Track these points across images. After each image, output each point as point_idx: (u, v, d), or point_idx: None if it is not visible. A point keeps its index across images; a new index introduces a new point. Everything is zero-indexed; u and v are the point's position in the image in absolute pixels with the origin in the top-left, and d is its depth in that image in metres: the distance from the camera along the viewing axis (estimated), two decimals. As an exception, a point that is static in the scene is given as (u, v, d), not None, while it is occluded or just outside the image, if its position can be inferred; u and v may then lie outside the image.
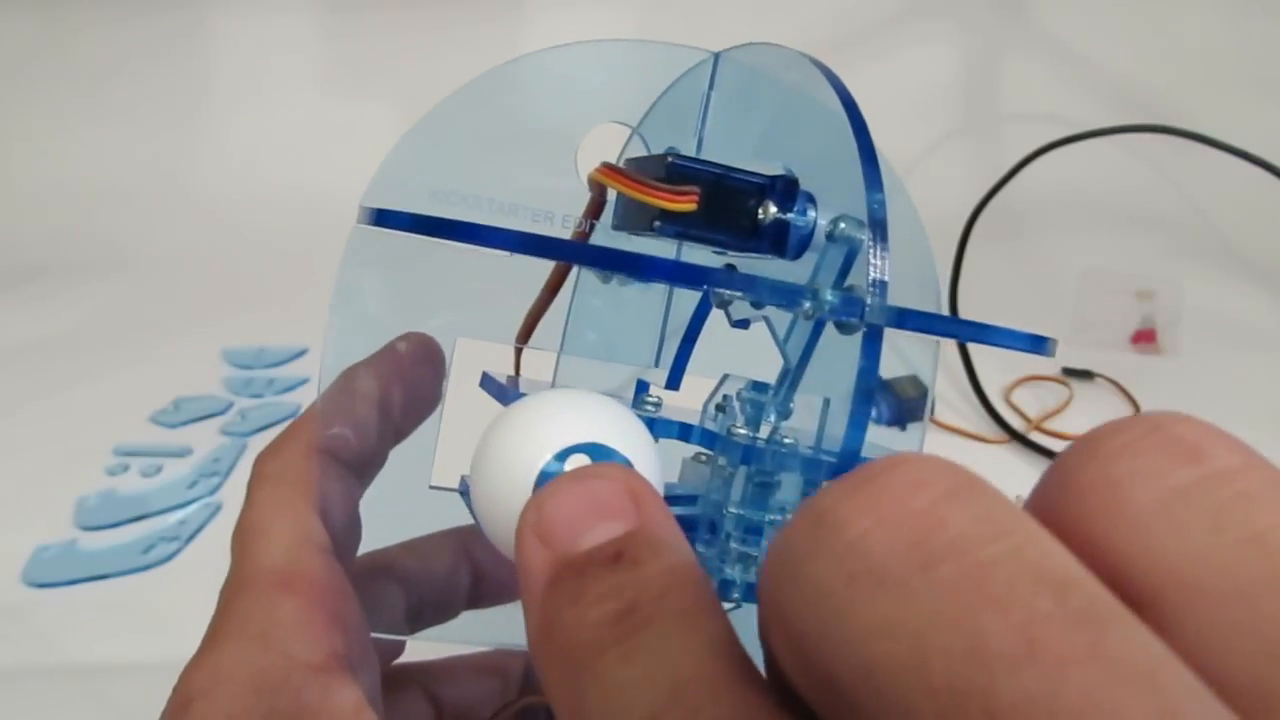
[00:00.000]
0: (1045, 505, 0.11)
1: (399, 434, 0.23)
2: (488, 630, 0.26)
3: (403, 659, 0.26)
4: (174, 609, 0.42)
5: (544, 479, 0.15)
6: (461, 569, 0.25)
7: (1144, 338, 0.70)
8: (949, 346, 0.63)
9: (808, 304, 0.17)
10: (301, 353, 0.67)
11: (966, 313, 0.66)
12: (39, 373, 0.65)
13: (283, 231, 0.88)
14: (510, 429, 0.16)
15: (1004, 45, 0.95)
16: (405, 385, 0.22)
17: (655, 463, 0.16)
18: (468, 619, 0.25)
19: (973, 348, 0.62)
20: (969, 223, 0.72)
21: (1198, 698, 0.08)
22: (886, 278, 0.16)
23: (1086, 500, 0.10)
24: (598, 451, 0.15)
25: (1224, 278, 0.79)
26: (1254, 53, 0.91)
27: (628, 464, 0.15)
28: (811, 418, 0.18)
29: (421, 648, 0.26)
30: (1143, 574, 0.10)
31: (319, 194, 0.90)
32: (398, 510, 0.23)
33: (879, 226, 0.17)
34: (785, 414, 0.19)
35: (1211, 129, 0.74)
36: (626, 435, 0.16)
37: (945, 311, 0.24)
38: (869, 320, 0.16)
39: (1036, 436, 0.58)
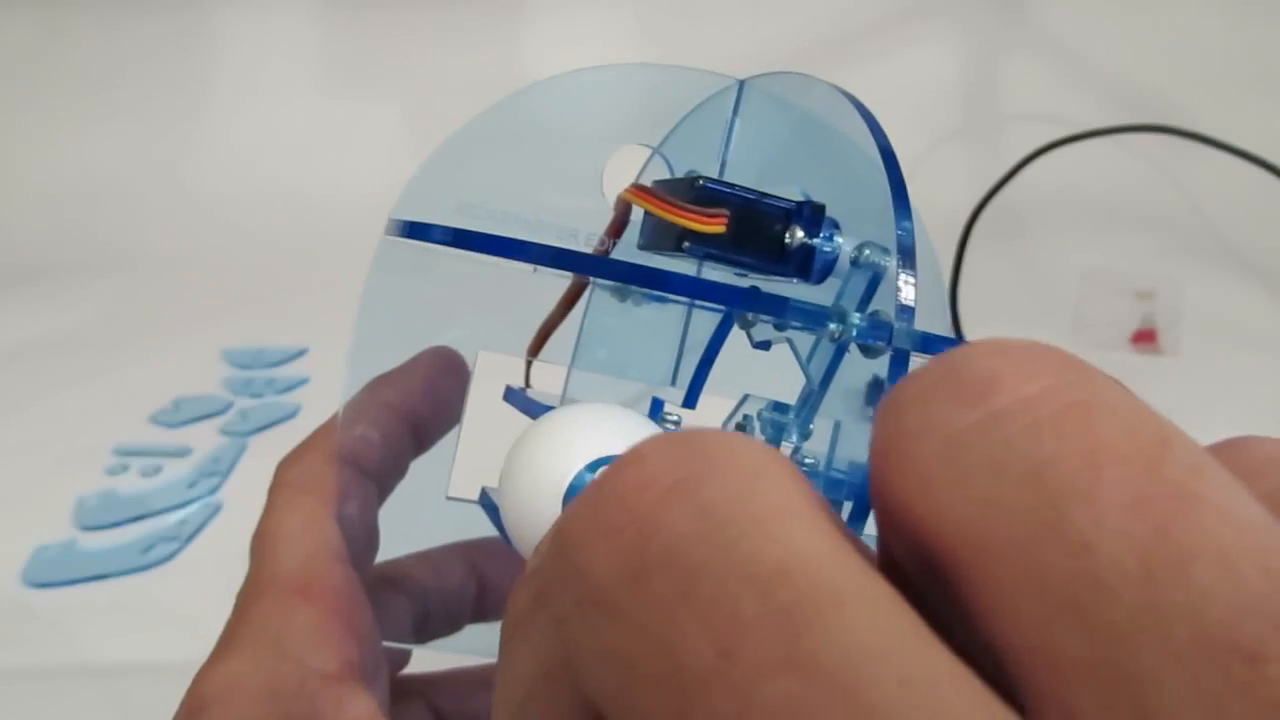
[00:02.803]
0: (870, 471, 0.10)
1: (420, 446, 0.23)
2: (493, 643, 0.26)
3: (406, 670, 0.26)
4: (174, 609, 0.42)
5: (574, 491, 0.15)
6: (468, 582, 0.25)
7: (1144, 338, 0.70)
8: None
9: (834, 326, 0.17)
10: (301, 353, 0.67)
11: (967, 313, 0.66)
12: (39, 373, 0.65)
13: (283, 231, 0.88)
14: (540, 441, 0.16)
15: (1004, 45, 0.95)
16: (429, 397, 0.22)
17: None
18: (473, 631, 0.25)
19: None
20: (969, 223, 0.72)
21: (911, 693, 0.07)
22: (914, 304, 0.16)
23: (877, 464, 0.09)
24: None
25: (1224, 278, 0.79)
26: (1254, 53, 0.91)
27: None
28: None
29: (425, 660, 0.26)
30: (934, 534, 0.09)
31: (320, 194, 0.90)
32: (413, 520, 0.24)
33: (908, 254, 0.17)
34: (806, 435, 0.19)
35: (1211, 129, 0.74)
36: None
37: (946, 312, 0.24)
38: (897, 345, 0.16)
39: (1036, 436, 0.58)
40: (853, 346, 0.18)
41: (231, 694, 0.17)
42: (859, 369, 0.17)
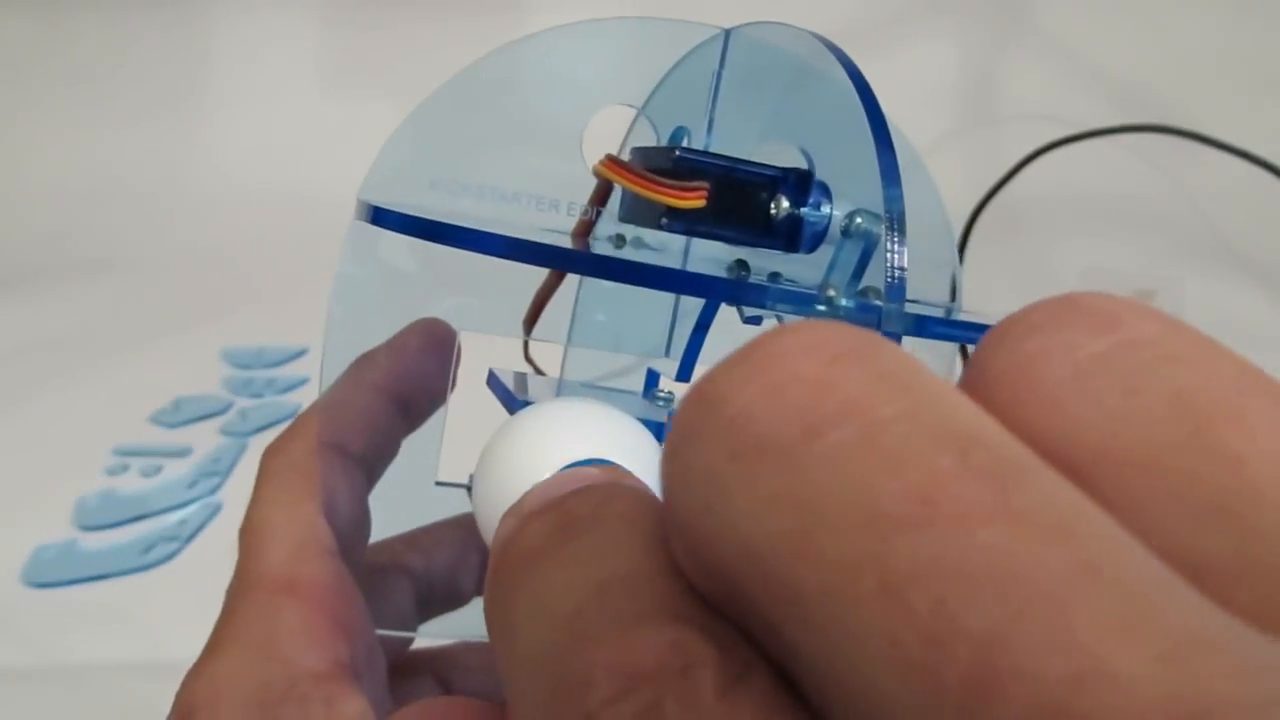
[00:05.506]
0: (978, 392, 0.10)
1: (410, 424, 0.22)
2: None
3: (415, 645, 0.25)
4: (174, 609, 0.42)
5: None
6: (470, 556, 0.24)
7: (1144, 338, 0.70)
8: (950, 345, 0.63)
9: (822, 309, 0.16)
10: (301, 353, 0.67)
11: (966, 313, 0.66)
12: (39, 373, 0.65)
13: (283, 231, 0.88)
14: (512, 443, 0.15)
15: (1004, 45, 0.95)
16: (415, 373, 0.22)
17: None
18: (478, 607, 0.25)
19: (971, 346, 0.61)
20: (969, 223, 0.72)
21: (1121, 547, 0.08)
22: (903, 282, 0.15)
23: (1000, 384, 0.09)
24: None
25: (1224, 278, 0.79)
26: (1254, 53, 0.91)
27: None
28: None
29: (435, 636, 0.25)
30: (1059, 449, 0.09)
31: (319, 193, 0.90)
32: (406, 504, 0.23)
33: (897, 224, 0.16)
34: None
35: (1211, 129, 0.74)
36: (633, 450, 0.15)
37: (958, 296, 0.23)
38: (885, 330, 0.15)
39: (1037, 436, 0.58)
40: None
41: (219, 699, 0.17)
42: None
